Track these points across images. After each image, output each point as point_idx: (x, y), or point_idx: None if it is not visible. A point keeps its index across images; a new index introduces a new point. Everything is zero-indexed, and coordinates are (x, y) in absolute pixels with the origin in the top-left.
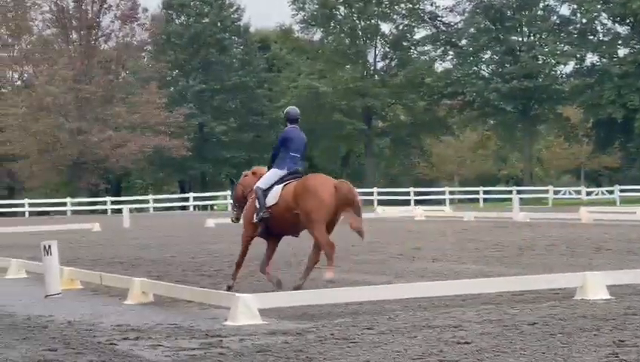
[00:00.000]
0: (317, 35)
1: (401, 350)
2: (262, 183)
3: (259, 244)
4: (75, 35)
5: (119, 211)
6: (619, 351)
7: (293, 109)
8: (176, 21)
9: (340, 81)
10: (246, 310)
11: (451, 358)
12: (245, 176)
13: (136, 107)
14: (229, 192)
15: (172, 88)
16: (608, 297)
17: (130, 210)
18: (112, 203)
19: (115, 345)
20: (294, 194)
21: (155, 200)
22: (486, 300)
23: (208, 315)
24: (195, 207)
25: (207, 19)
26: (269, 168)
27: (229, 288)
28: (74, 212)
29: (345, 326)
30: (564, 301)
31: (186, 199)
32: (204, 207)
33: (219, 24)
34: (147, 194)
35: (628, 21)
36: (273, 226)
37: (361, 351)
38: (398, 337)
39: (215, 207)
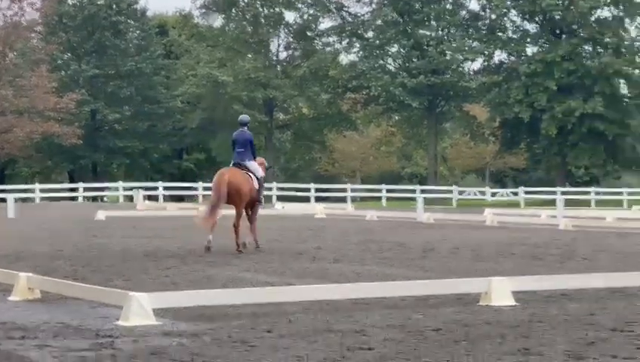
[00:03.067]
0: (218, 21)
1: (302, 355)
2: None
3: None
4: None
5: (3, 200)
6: (523, 360)
7: (243, 116)
8: (69, 1)
9: (240, 71)
10: (139, 309)
11: None
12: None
13: (24, 91)
14: (120, 183)
15: (63, 72)
16: (513, 303)
17: (15, 200)
18: None
19: None
20: None
21: (42, 190)
22: (389, 304)
23: (99, 314)
24: (84, 197)
25: (101, 1)
26: None
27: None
28: None
29: (243, 329)
30: (468, 306)
31: (76, 189)
32: (95, 198)
33: (114, 6)
34: (33, 183)
35: (537, 19)
36: None
37: (260, 355)
38: (298, 341)
39: (105, 199)
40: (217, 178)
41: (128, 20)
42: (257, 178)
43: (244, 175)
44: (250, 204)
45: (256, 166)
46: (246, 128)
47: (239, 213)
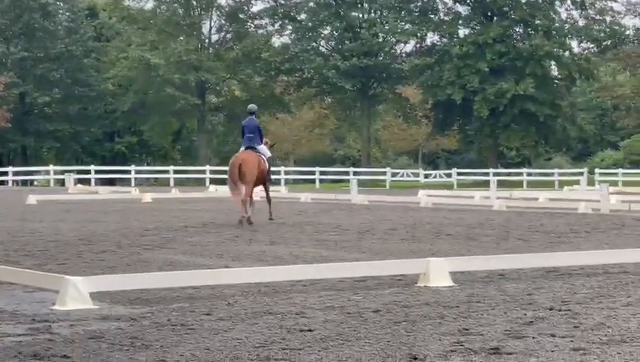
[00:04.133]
0: (149, 3)
1: (242, 337)
2: None
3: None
4: None
5: None
6: (463, 340)
7: (251, 105)
8: None
9: (172, 53)
10: (76, 293)
11: (295, 346)
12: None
13: None
14: (51, 167)
15: None
16: (451, 284)
17: None
18: None
19: None
20: None
21: None
22: (327, 286)
23: (34, 299)
24: (14, 182)
25: None
26: None
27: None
28: None
29: (182, 312)
30: (406, 287)
31: (5, 173)
32: (25, 183)
33: None
34: None
35: (468, 1)
36: None
37: (200, 338)
38: (238, 324)
39: (36, 183)
40: (234, 160)
41: (57, 2)
42: (266, 159)
43: (257, 156)
44: (262, 183)
45: (265, 149)
46: (254, 116)
47: (251, 190)
